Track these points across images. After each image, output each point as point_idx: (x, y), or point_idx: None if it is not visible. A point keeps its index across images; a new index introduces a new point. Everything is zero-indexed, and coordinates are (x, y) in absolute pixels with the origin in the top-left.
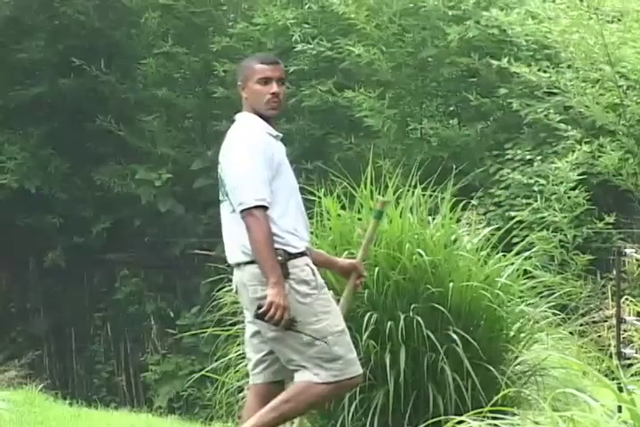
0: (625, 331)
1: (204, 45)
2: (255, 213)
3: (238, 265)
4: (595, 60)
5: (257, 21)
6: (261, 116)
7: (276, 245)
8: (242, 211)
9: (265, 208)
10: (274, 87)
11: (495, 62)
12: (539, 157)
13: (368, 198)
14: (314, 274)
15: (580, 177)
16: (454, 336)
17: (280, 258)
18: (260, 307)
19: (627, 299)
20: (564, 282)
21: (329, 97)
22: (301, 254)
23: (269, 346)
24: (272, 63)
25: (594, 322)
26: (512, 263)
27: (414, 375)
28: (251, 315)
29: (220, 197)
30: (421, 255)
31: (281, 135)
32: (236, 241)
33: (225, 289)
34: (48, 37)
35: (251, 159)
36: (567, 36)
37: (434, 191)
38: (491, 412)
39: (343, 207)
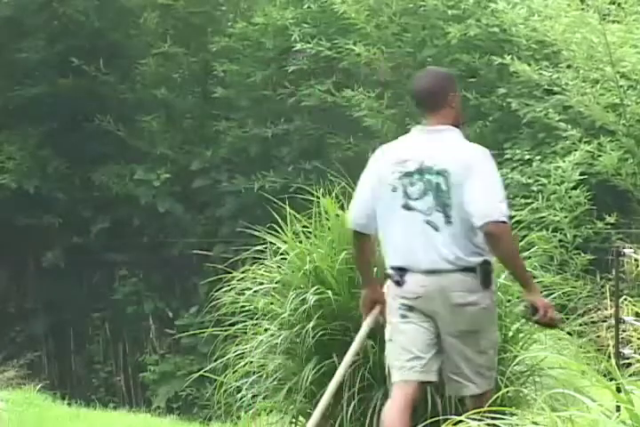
0: (623, 331)
1: (203, 45)
2: (503, 227)
3: (434, 272)
4: (596, 59)
5: (256, 21)
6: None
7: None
8: (489, 222)
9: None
10: None
11: (497, 59)
12: (537, 157)
13: None
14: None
15: (580, 177)
16: None
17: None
18: (528, 307)
19: (625, 299)
20: (562, 282)
21: (328, 97)
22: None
23: (444, 350)
24: None
25: (592, 322)
26: None
27: None
28: (439, 319)
29: (416, 204)
30: None
31: None
32: (439, 250)
33: (223, 289)
34: (47, 38)
35: (496, 173)
36: (569, 35)
37: None
38: (489, 412)
39: (342, 207)
